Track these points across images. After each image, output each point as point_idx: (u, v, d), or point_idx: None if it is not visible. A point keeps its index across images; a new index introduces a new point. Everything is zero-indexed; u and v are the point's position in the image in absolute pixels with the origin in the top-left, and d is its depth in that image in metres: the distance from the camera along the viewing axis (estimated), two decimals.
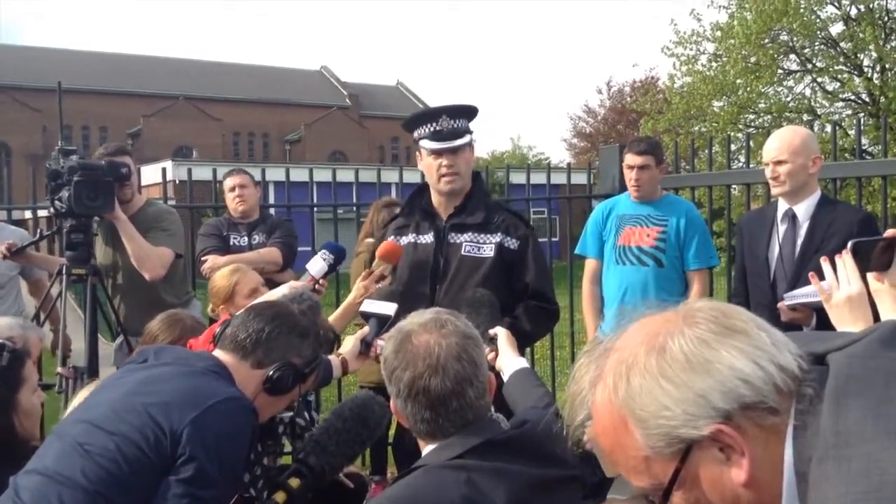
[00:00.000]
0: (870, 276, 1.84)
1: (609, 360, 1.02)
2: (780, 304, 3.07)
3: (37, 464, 1.83)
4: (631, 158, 3.95)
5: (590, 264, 4.24)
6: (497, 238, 2.99)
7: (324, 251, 3.12)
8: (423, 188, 3.16)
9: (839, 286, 1.83)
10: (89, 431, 1.82)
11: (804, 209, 3.28)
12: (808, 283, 2.96)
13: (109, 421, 1.82)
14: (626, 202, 4.10)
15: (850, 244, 1.84)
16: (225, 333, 2.12)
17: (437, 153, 2.97)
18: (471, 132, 3.04)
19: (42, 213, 5.20)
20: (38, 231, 4.74)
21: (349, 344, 2.70)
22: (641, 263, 3.93)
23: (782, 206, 3.35)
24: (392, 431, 4.27)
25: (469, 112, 3.05)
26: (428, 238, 3.05)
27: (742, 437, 0.93)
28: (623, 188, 4.88)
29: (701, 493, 0.99)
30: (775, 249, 3.33)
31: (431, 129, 2.96)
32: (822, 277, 1.89)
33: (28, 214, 7.04)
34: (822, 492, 0.82)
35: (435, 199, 3.09)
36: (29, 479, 1.79)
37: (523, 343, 2.63)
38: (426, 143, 3.00)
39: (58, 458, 1.80)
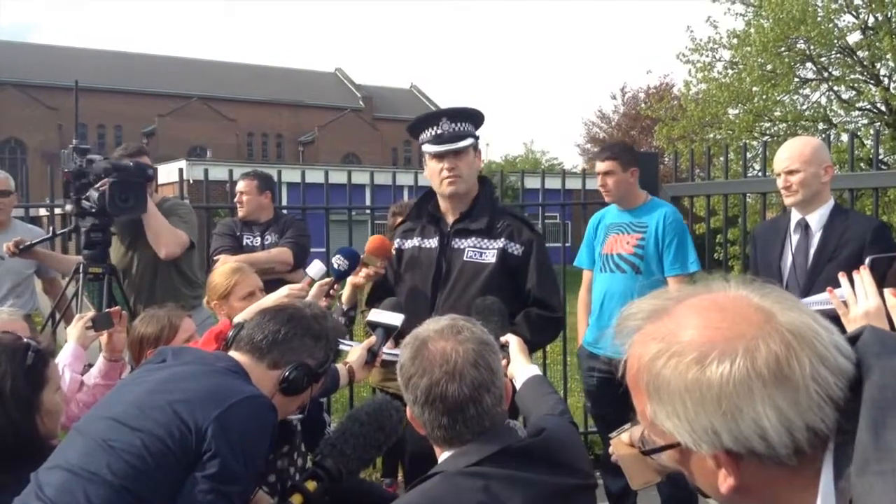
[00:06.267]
0: (887, 291, 1.83)
1: (661, 321, 0.98)
2: None
3: (59, 460, 1.84)
4: (597, 165, 4.00)
5: (586, 275, 4.27)
6: (500, 244, 2.94)
7: (338, 256, 3.12)
8: (430, 193, 3.13)
9: (857, 301, 1.81)
10: (114, 428, 1.84)
11: (817, 218, 3.27)
12: (820, 291, 2.97)
13: (134, 418, 1.84)
14: (613, 211, 4.11)
15: (867, 259, 1.83)
16: (240, 335, 2.15)
17: (439, 156, 2.95)
18: (475, 136, 2.99)
19: (58, 210, 5.23)
20: (51, 229, 4.76)
21: (356, 353, 2.71)
22: (620, 270, 3.93)
23: (795, 215, 3.35)
24: None
25: (470, 115, 3.00)
26: (432, 243, 3.03)
27: (737, 464, 0.92)
28: None
29: (689, 471, 1.00)
30: (788, 259, 3.32)
31: (433, 132, 2.94)
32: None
33: (43, 212, 7.05)
34: (869, 501, 0.82)
35: (442, 203, 3.07)
36: (52, 475, 1.80)
37: None
38: (428, 147, 2.98)
39: (82, 454, 1.81)
